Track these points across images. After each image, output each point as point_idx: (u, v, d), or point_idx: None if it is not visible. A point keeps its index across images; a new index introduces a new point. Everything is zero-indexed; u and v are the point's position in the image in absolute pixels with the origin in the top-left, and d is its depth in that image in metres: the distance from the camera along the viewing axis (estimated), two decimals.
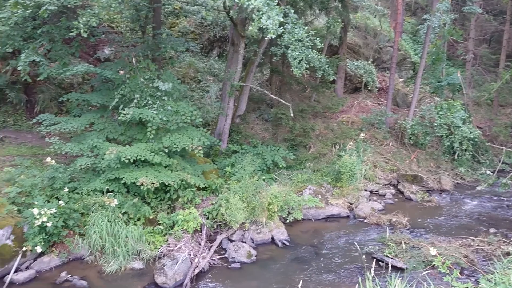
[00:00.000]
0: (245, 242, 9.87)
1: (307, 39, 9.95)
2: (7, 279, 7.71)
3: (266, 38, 9.65)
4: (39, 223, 8.05)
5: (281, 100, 13.63)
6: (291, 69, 10.53)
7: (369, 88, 21.62)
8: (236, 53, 14.18)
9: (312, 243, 10.25)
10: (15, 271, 7.96)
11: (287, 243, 10.11)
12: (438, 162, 17.27)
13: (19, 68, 10.20)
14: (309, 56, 10.25)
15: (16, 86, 14.53)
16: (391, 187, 15.01)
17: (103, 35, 15.44)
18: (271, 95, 14.16)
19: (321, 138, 17.29)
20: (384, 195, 14.16)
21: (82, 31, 8.82)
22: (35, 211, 8.05)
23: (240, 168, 12.12)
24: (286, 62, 15.56)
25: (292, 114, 13.58)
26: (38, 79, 11.17)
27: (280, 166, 13.04)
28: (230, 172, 12.22)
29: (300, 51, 9.96)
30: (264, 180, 12.20)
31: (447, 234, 10.71)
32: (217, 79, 20.91)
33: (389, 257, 9.04)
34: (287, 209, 11.36)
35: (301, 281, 5.93)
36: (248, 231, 10.22)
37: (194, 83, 20.23)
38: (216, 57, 23.51)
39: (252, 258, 9.16)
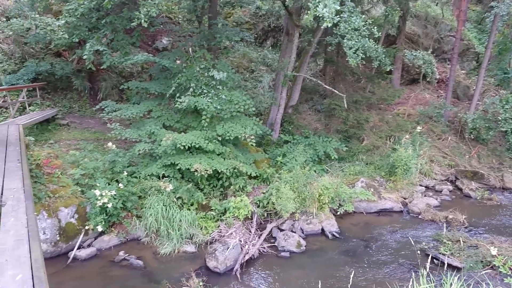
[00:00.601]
0: (294, 232, 9.89)
1: (364, 28, 9.70)
2: (71, 254, 8.26)
3: (321, 27, 9.49)
4: (101, 204, 8.54)
5: (335, 91, 13.42)
6: (346, 59, 10.32)
7: (427, 79, 20.70)
8: (290, 43, 14.10)
9: (362, 237, 10.08)
10: (78, 248, 8.51)
11: (337, 235, 10.01)
12: (501, 158, 16.28)
13: (84, 57, 10.79)
14: (366, 45, 9.98)
15: (81, 74, 15.36)
16: (449, 183, 14.37)
17: (161, 26, 15.89)
18: (325, 86, 13.96)
19: (375, 130, 16.85)
20: (441, 191, 13.59)
21: (142, 21, 9.16)
22: (97, 192, 8.54)
23: (292, 158, 12.11)
24: (341, 52, 15.26)
25: (346, 105, 13.35)
26: (101, 67, 11.72)
27: (332, 157, 12.88)
28: (281, 162, 12.25)
29: (357, 40, 9.73)
30: (315, 171, 12.13)
31: (509, 234, 10.11)
32: (270, 69, 20.94)
33: (444, 255, 8.71)
34: (338, 201, 11.23)
35: (353, 271, 5.84)
36: (298, 221, 10.23)
37: (247, 73, 20.40)
38: (270, 47, 23.52)
39: (301, 248, 9.17)
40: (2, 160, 7.50)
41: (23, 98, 13.44)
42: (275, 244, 9.38)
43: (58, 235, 8.27)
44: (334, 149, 13.16)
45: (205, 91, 10.57)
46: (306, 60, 15.13)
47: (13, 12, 14.84)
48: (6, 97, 13.17)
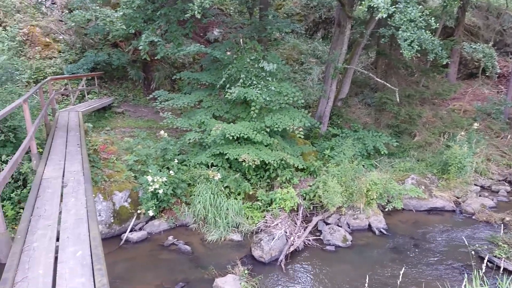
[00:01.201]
0: (340, 226, 9.79)
1: (421, 19, 9.33)
2: (124, 237, 8.67)
3: (376, 18, 9.22)
4: (152, 190, 8.87)
5: (387, 84, 13.03)
6: (399, 52, 9.98)
7: (487, 74, 19.57)
8: (341, 35, 13.83)
9: (411, 234, 9.79)
10: (130, 231, 8.91)
11: (385, 232, 9.79)
12: None
13: (140, 47, 11.17)
14: (422, 37, 9.59)
15: (136, 64, 15.95)
16: (506, 184, 13.59)
17: (213, 17, 16.11)
18: (376, 79, 13.60)
19: (428, 126, 16.23)
20: (497, 192, 12.89)
21: (196, 12, 9.32)
22: (149, 178, 8.87)
23: (340, 152, 11.95)
24: (395, 44, 14.80)
25: (398, 99, 12.94)
26: (155, 58, 12.09)
27: (382, 152, 12.57)
28: (329, 155, 12.12)
29: (412, 32, 9.39)
30: (363, 165, 11.91)
31: None
32: (320, 61, 20.69)
33: (500, 258, 8.29)
34: (387, 197, 10.96)
35: (403, 269, 5.70)
36: (344, 215, 10.11)
37: (297, 65, 20.29)
38: (320, 39, 23.23)
39: (347, 242, 9.08)
40: (64, 144, 7.98)
41: (82, 87, 14.17)
42: (321, 237, 9.34)
43: (112, 218, 8.71)
44: (384, 144, 12.83)
45: (254, 82, 10.64)
46: (357, 52, 14.80)
47: (75, 4, 15.62)
48: (67, 85, 13.94)
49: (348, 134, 13.48)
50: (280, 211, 9.64)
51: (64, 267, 3.34)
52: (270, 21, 13.31)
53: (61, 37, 15.99)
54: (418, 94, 16.46)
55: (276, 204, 9.69)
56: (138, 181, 9.41)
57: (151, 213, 8.91)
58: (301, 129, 10.22)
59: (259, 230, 9.26)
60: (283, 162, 10.26)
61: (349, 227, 9.95)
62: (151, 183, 8.82)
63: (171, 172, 9.43)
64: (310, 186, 10.59)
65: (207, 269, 7.67)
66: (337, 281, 7.58)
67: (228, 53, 11.82)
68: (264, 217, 9.68)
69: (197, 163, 10.32)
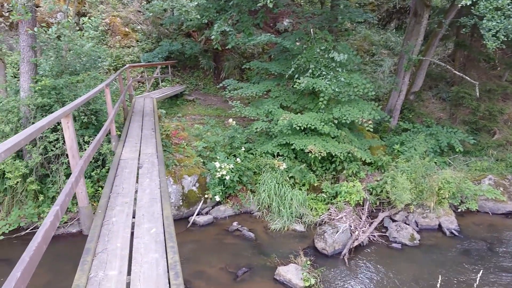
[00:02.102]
0: (408, 224, 9.43)
1: (509, 7, 8.62)
2: (191, 219, 9.03)
3: (458, 6, 8.66)
4: (219, 176, 9.13)
5: (466, 77, 12.22)
6: (481, 43, 9.30)
7: None
8: (417, 25, 13.18)
9: (486, 238, 9.19)
10: (197, 214, 9.25)
11: (456, 233, 9.27)
12: None
13: (212, 37, 11.45)
14: (509, 27, 8.87)
15: (207, 54, 16.40)
16: None
17: (284, 7, 16.06)
18: (454, 71, 12.81)
19: (510, 124, 15.03)
20: None
21: (268, 2, 9.34)
22: (217, 164, 9.14)
23: (411, 147, 11.47)
24: (476, 35, 13.82)
25: (477, 94, 12.10)
26: (226, 47, 12.33)
27: (457, 150, 11.86)
28: (398, 150, 11.68)
29: (498, 21, 8.71)
30: (436, 162, 11.32)
31: None
32: (392, 53, 19.91)
33: None
34: (460, 197, 10.36)
35: (481, 271, 5.40)
36: (413, 213, 9.72)
37: (367, 56, 19.69)
38: (394, 30, 22.32)
39: (415, 241, 8.73)
40: (139, 128, 8.45)
41: (157, 74, 14.84)
42: (386, 234, 9.08)
43: (181, 200, 9.10)
44: (460, 141, 12.09)
45: (324, 72, 10.50)
46: (434, 44, 14.01)
47: None
48: (143, 73, 14.69)
49: (420, 129, 12.87)
50: (345, 204, 9.49)
51: (140, 242, 3.56)
52: (341, 10, 13.00)
53: (139, 27, 16.84)
54: (500, 89, 15.28)
55: (341, 197, 9.55)
56: (206, 167, 9.72)
57: (217, 198, 9.19)
58: (370, 122, 9.94)
59: (323, 222, 9.19)
60: (350, 155, 10.08)
61: (417, 226, 9.55)
62: (219, 169, 9.08)
63: (238, 159, 9.63)
64: (377, 181, 10.29)
65: (270, 257, 7.78)
66: (402, 279, 7.33)
67: (298, 43, 11.75)
68: (328, 209, 9.59)
69: (263, 152, 10.43)
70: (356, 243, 8.36)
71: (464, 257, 8.29)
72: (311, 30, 11.31)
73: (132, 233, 3.76)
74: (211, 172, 9.47)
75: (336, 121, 10.23)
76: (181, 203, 9.09)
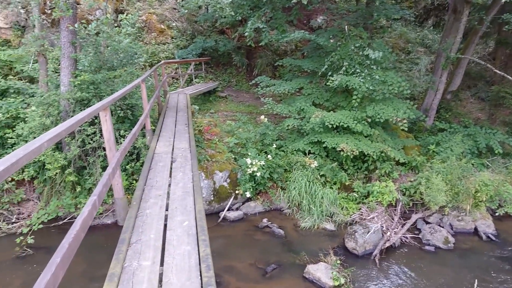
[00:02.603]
0: (442, 227, 9.17)
1: None
2: (222, 214, 9.12)
3: (501, 2, 8.32)
4: (250, 172, 9.17)
5: (507, 76, 11.73)
6: None
7: None
8: (456, 22, 12.76)
9: None
10: (228, 210, 9.33)
11: (493, 238, 8.94)
12: None
13: (246, 34, 11.49)
14: None
15: (240, 51, 16.48)
16: None
17: (319, 4, 15.90)
18: (495, 70, 12.32)
19: None
20: None
21: None
22: (248, 161, 9.18)
23: (447, 148, 11.14)
24: None
25: None
26: (259, 44, 12.35)
27: (496, 151, 11.41)
28: (434, 151, 11.36)
29: None
30: (473, 164, 10.93)
31: None
32: (429, 51, 19.38)
33: None
34: (498, 200, 9.99)
35: None
36: (447, 216, 9.44)
37: (403, 54, 19.24)
38: (431, 27, 21.70)
39: (449, 245, 8.48)
40: (173, 123, 8.60)
41: (191, 71, 15.05)
42: (419, 236, 8.86)
43: (212, 196, 9.20)
44: (499, 142, 11.63)
45: (358, 70, 10.34)
46: (474, 41, 13.53)
47: None
48: (177, 69, 14.92)
49: (457, 129, 12.46)
50: (377, 204, 9.33)
51: (172, 234, 3.63)
52: (377, 7, 12.75)
53: (174, 24, 17.11)
54: None
55: (373, 197, 9.40)
56: (237, 163, 9.78)
57: (248, 194, 9.24)
58: (405, 121, 9.71)
59: (353, 222, 9.08)
60: (383, 154, 9.89)
61: (451, 229, 9.28)
62: (250, 166, 9.12)
63: (269, 156, 9.64)
64: (411, 181, 10.06)
65: (299, 255, 7.76)
66: (436, 283, 7.15)
67: (332, 40, 11.62)
68: (360, 209, 9.46)
69: (295, 150, 10.40)
70: (387, 244, 8.21)
71: (502, 262, 7.99)
72: (346, 27, 11.16)
73: (165, 225, 3.84)
74: (242, 168, 9.52)
75: (369, 120, 10.06)
76: (212, 198, 9.20)
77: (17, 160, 1.63)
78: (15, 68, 12.19)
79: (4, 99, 9.48)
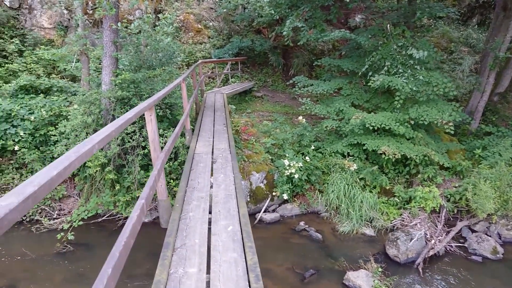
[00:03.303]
0: (489, 236, 8.69)
1: None
2: (258, 216, 8.99)
3: None
4: (288, 174, 8.99)
5: None
6: None
7: None
8: (506, 19, 12.11)
9: None
10: (264, 211, 9.19)
11: None
12: None
13: (284, 33, 11.30)
14: None
15: (276, 50, 16.32)
16: None
17: (357, 2, 15.51)
18: None
19: None
20: None
21: None
22: (286, 162, 9.00)
23: (495, 153, 10.57)
24: None
25: None
26: (297, 43, 12.13)
27: None
28: (480, 156, 10.82)
29: None
30: None
31: None
32: (473, 50, 18.54)
33: None
34: None
35: None
36: (495, 224, 8.94)
37: (445, 54, 18.51)
38: (475, 26, 20.79)
39: (497, 255, 8.01)
40: (211, 123, 8.54)
41: (227, 70, 15.02)
42: (465, 245, 8.42)
43: (249, 197, 9.09)
44: None
45: (400, 70, 9.96)
46: None
47: None
48: (214, 69, 14.93)
49: (506, 133, 11.82)
50: (419, 210, 8.94)
51: (217, 240, 3.51)
52: (420, 5, 12.27)
53: (211, 23, 17.16)
54: None
55: (415, 202, 9.01)
56: (274, 164, 9.63)
57: (285, 196, 9.06)
58: (451, 124, 9.26)
59: (394, 228, 8.74)
60: (426, 158, 9.48)
61: (500, 238, 8.77)
62: (287, 167, 8.94)
63: (306, 158, 9.43)
64: (455, 187, 9.59)
65: (338, 260, 7.52)
66: None
67: (372, 39, 11.27)
68: (401, 214, 9.10)
69: (333, 152, 10.14)
70: (431, 253, 7.83)
71: None
72: (388, 26, 10.79)
73: (209, 229, 3.73)
74: (279, 170, 9.36)
75: (412, 122, 9.66)
76: (248, 199, 9.09)
77: (70, 163, 1.55)
78: (58, 67, 12.53)
79: (47, 97, 9.73)
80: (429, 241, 8.08)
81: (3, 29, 14.03)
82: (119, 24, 7.89)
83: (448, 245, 8.24)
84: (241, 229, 3.69)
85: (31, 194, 1.22)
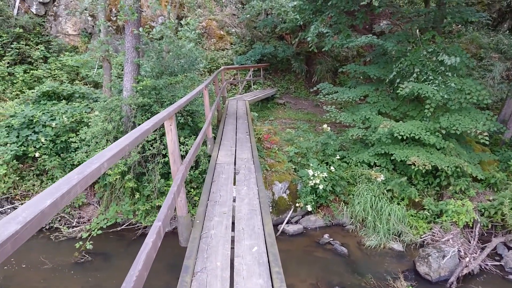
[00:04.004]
0: None
1: None
2: (280, 228, 8.66)
3: None
4: (312, 184, 8.65)
5: None
6: None
7: None
8: None
9: None
10: (287, 223, 8.86)
11: None
12: None
13: (308, 39, 11.02)
14: None
15: (299, 57, 16.01)
16: None
17: (387, 7, 15.09)
18: None
19: None
20: None
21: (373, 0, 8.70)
22: (310, 172, 8.66)
23: None
24: None
25: None
26: (322, 50, 11.83)
27: None
28: None
29: None
30: None
31: None
32: (504, 57, 17.84)
33: None
34: None
35: None
36: None
37: (474, 60, 17.85)
38: (507, 31, 20.04)
39: None
40: (234, 131, 8.29)
41: (249, 77, 14.81)
42: (501, 263, 7.88)
43: (271, 207, 8.78)
44: None
45: (430, 77, 9.52)
46: None
47: None
48: (236, 75, 14.73)
49: None
50: (451, 225, 8.46)
51: (241, 263, 3.19)
52: (450, 10, 11.78)
53: (233, 30, 17.02)
54: None
55: (447, 216, 8.52)
56: (297, 173, 9.30)
57: (309, 208, 8.71)
58: (486, 134, 8.76)
59: (424, 243, 8.28)
60: (458, 169, 8.99)
61: None
62: (312, 178, 8.61)
63: (331, 168, 9.08)
64: (490, 200, 9.06)
65: (365, 277, 7.13)
66: None
67: (399, 45, 10.86)
68: (431, 229, 8.62)
69: (359, 161, 9.75)
70: (465, 271, 7.34)
71: None
72: (417, 31, 10.38)
73: (231, 249, 3.43)
74: (302, 180, 9.03)
75: (443, 132, 9.19)
76: (271, 210, 8.78)
77: (69, 188, 1.29)
78: (81, 73, 12.55)
79: (69, 103, 9.68)
80: (462, 259, 7.59)
81: (29, 35, 14.21)
82: (140, 29, 7.74)
83: (483, 263, 7.73)
84: (267, 250, 3.37)
85: (9, 238, 0.94)
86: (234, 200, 4.42)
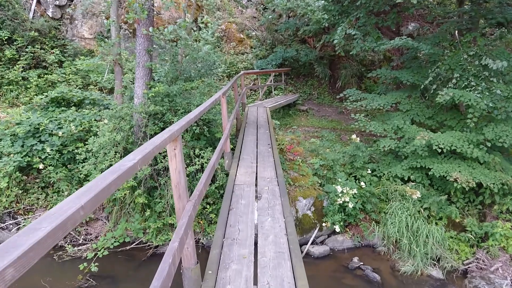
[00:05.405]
0: None
1: None
2: (305, 249, 7.81)
3: None
4: (341, 202, 7.80)
5: None
6: None
7: None
8: None
9: None
10: (311, 243, 8.00)
11: None
12: None
13: (335, 41, 10.18)
14: None
15: (323, 61, 15.17)
16: None
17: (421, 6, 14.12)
18: None
19: None
20: None
21: None
22: (339, 188, 7.82)
23: None
24: None
25: None
26: (350, 53, 10.97)
27: None
28: None
29: None
30: None
31: None
32: None
33: None
34: None
35: None
36: None
37: None
38: None
39: None
40: (254, 143, 7.51)
41: (270, 82, 14.05)
42: None
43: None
44: None
45: (472, 83, 8.57)
46: None
47: None
48: (256, 80, 14.00)
49: None
50: (499, 250, 7.47)
51: None
52: (491, 9, 10.77)
53: (253, 33, 16.31)
54: None
55: (494, 240, 7.54)
56: (323, 188, 8.46)
57: (337, 229, 7.82)
58: None
59: (468, 271, 7.32)
60: (505, 186, 7.99)
61: None
62: (340, 195, 7.75)
63: (361, 183, 8.21)
64: None
65: None
66: None
67: (435, 47, 9.94)
68: (474, 253, 7.66)
69: (391, 176, 8.85)
70: None
71: None
72: (456, 32, 9.44)
73: None
74: (329, 196, 8.17)
75: (488, 144, 8.21)
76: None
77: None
78: (89, 78, 12.02)
79: (79, 110, 9.09)
80: None
81: (44, 39, 13.79)
82: (150, 29, 7.00)
83: None
84: None
85: None
86: (256, 235, 3.61)
